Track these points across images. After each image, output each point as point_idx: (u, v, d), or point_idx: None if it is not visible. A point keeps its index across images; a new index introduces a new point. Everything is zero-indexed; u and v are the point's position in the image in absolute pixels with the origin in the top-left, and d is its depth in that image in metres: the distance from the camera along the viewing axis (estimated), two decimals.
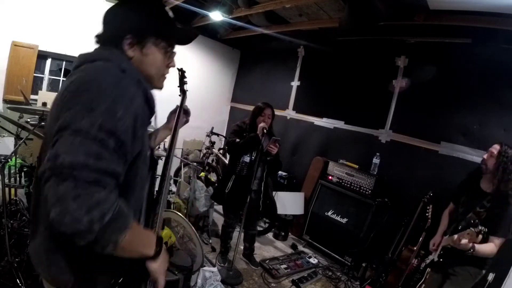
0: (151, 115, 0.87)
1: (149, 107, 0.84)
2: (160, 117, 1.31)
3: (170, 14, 0.91)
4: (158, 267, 0.80)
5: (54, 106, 0.77)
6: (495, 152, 1.82)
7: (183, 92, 1.26)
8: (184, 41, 0.97)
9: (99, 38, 0.86)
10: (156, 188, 1.02)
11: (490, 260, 1.81)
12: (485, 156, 1.89)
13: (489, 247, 1.71)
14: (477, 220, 1.65)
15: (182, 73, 1.27)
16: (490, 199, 1.78)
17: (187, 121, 1.31)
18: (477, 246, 1.67)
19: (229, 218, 2.80)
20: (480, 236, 1.61)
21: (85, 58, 0.81)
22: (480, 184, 1.91)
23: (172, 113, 1.27)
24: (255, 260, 2.95)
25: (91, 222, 0.58)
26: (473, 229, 1.59)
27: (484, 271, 1.85)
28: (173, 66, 0.95)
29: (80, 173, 0.59)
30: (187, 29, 0.97)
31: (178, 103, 1.23)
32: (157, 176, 1.02)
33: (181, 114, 1.19)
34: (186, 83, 1.28)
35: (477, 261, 1.79)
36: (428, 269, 2.12)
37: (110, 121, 0.65)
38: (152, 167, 0.96)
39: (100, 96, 0.67)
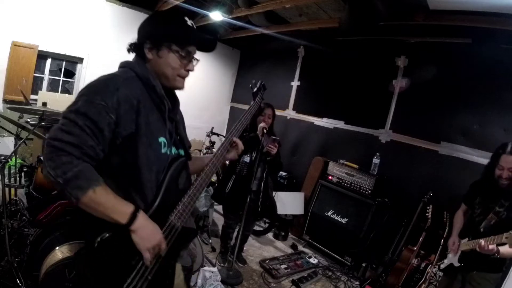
0: (161, 106, 1.02)
1: (160, 100, 1.01)
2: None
3: (189, 23, 1.03)
4: (139, 239, 0.89)
5: None
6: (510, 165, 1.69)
7: (254, 100, 1.48)
8: (204, 48, 1.10)
9: (130, 46, 1.06)
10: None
11: (507, 261, 1.76)
12: (503, 175, 1.70)
13: None
14: None
15: (262, 87, 1.57)
16: (508, 197, 1.69)
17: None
18: (502, 249, 1.59)
19: (229, 219, 2.80)
20: None
21: (118, 66, 1.04)
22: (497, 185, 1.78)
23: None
24: (243, 258, 2.94)
25: (56, 176, 0.80)
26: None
27: (501, 273, 1.80)
28: (192, 70, 1.07)
29: (54, 143, 0.83)
30: (205, 37, 1.09)
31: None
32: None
33: (247, 118, 1.38)
34: (261, 94, 1.53)
35: (497, 265, 1.74)
36: (429, 270, 2.08)
37: (85, 107, 0.86)
38: (186, 155, 1.11)
39: (87, 90, 0.90)
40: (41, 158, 2.66)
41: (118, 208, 0.88)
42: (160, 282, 1.02)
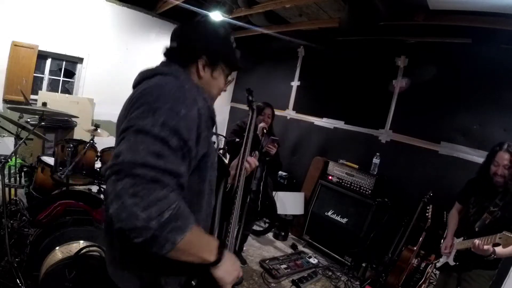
0: (213, 124, 0.90)
1: (211, 116, 0.87)
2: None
3: (234, 45, 0.98)
4: (223, 274, 0.76)
5: (121, 114, 0.80)
6: (507, 162, 1.68)
7: (252, 110, 1.40)
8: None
9: (170, 52, 0.90)
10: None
11: (503, 258, 1.75)
12: (498, 172, 1.71)
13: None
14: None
15: (250, 93, 1.45)
16: (503, 197, 1.69)
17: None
18: (498, 250, 1.58)
19: None
20: None
21: (144, 75, 0.85)
22: (492, 183, 1.79)
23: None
24: (243, 258, 2.94)
25: (148, 219, 0.58)
26: (507, 234, 1.50)
27: (497, 270, 1.80)
28: (225, 91, 1.02)
29: (139, 171, 0.60)
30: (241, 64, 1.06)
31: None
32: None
33: (251, 130, 1.26)
34: (254, 101, 1.46)
35: (493, 263, 1.72)
36: (429, 270, 2.08)
37: (173, 119, 0.67)
38: (224, 174, 1.00)
39: (163, 97, 0.71)
40: (41, 158, 2.67)
41: (209, 245, 0.74)
42: None
